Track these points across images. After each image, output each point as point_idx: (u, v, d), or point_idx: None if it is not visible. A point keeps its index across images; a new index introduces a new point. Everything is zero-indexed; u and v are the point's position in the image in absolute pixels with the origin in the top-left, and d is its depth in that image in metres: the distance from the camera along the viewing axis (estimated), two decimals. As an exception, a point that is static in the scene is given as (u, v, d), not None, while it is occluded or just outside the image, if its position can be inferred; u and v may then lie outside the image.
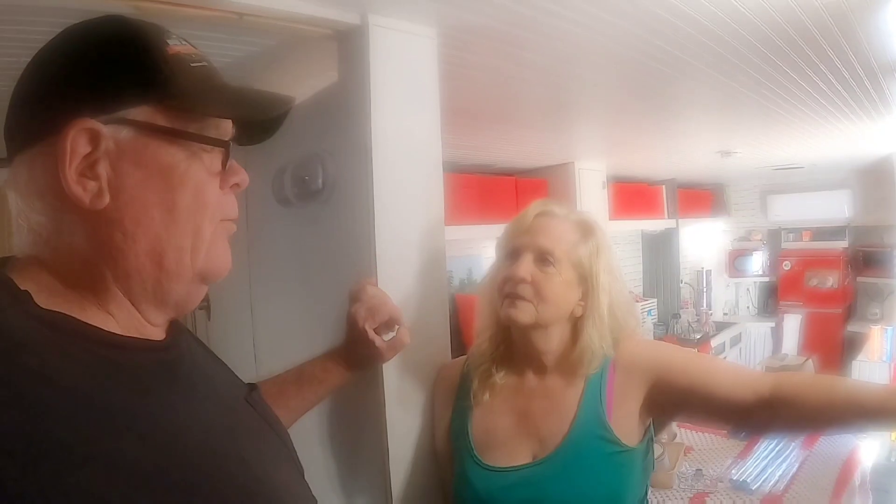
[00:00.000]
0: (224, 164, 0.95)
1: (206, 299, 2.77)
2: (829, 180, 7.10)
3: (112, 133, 0.84)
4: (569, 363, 1.61)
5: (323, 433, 1.93)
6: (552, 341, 1.63)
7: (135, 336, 0.90)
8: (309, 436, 1.86)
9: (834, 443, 3.41)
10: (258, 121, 1.03)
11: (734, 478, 2.93)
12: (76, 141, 0.82)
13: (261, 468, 0.97)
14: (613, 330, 1.61)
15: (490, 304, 1.70)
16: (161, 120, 0.88)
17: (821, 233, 7.37)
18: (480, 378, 1.71)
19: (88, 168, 0.84)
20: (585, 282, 1.60)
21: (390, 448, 1.71)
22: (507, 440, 1.63)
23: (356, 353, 1.60)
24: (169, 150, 0.89)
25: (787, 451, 3.20)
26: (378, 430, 1.73)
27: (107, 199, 0.85)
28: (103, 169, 0.85)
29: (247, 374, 1.27)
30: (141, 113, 0.86)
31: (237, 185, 0.99)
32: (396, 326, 1.60)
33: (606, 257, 1.63)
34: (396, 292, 1.68)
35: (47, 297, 0.83)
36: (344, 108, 1.77)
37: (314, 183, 1.87)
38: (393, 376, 1.72)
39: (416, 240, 1.77)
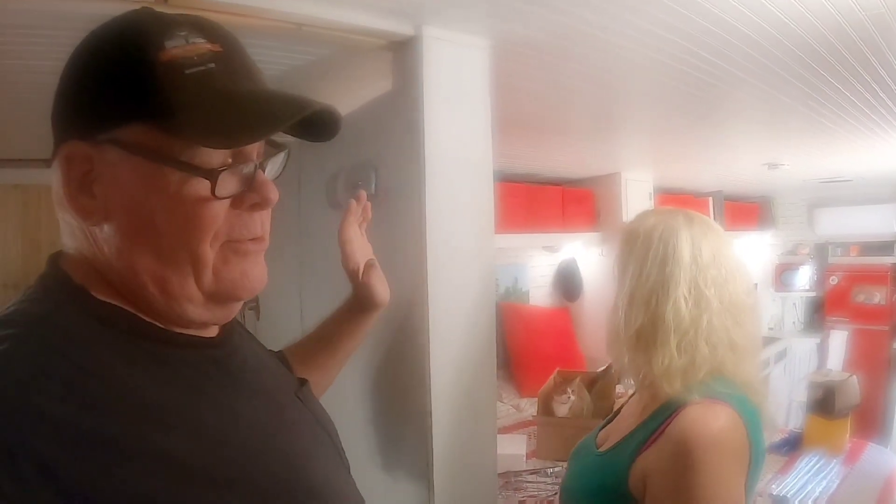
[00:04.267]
0: (213, 192, 0.85)
1: (255, 299, 2.82)
2: (877, 194, 6.96)
3: (101, 154, 0.83)
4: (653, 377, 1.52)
5: (368, 434, 1.97)
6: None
7: (186, 332, 0.92)
8: (354, 435, 1.90)
9: (876, 460, 3.37)
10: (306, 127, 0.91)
11: (774, 492, 2.91)
12: (69, 163, 0.84)
13: (306, 465, 0.98)
14: (661, 359, 1.46)
15: None
16: (153, 138, 0.82)
17: (869, 247, 7.22)
18: None
19: (86, 187, 0.84)
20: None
21: (434, 452, 1.74)
22: (613, 423, 1.73)
23: (356, 295, 1.62)
24: (161, 170, 0.83)
25: (829, 468, 3.18)
26: (423, 436, 1.75)
27: (103, 218, 0.85)
28: (99, 189, 0.84)
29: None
30: (131, 132, 0.82)
31: (257, 204, 0.92)
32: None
33: (634, 254, 1.56)
34: (445, 299, 1.71)
35: (108, 290, 0.86)
36: (397, 116, 1.81)
37: (367, 189, 1.90)
38: (440, 381, 1.74)
39: (467, 248, 1.79)
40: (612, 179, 5.20)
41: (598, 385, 3.67)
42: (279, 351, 1.41)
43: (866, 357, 6.62)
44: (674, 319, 1.46)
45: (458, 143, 1.78)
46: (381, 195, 1.89)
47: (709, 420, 1.35)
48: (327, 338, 1.60)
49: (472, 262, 1.80)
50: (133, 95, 0.81)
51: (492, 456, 1.91)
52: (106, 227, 0.85)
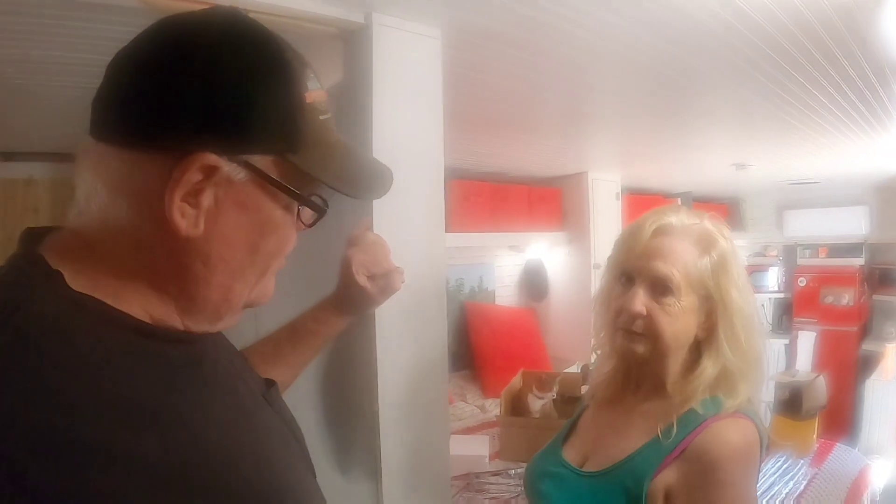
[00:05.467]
0: (315, 221, 0.95)
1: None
2: (845, 196, 7.03)
3: (228, 171, 0.83)
4: (680, 389, 1.44)
5: (318, 436, 1.91)
6: (670, 367, 1.48)
7: (164, 326, 0.89)
8: (305, 436, 1.86)
9: (843, 462, 3.38)
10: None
11: (741, 494, 2.88)
12: (195, 171, 0.80)
13: (278, 470, 0.96)
14: (730, 373, 1.42)
15: (606, 330, 1.57)
16: (276, 170, 0.86)
17: (837, 249, 7.26)
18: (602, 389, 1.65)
19: (192, 195, 0.82)
20: (709, 302, 1.44)
21: (383, 454, 1.69)
22: (582, 439, 1.61)
23: (347, 298, 1.54)
24: (273, 199, 0.88)
25: (795, 470, 3.17)
26: (371, 439, 1.70)
27: (201, 229, 0.83)
28: (206, 200, 0.83)
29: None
30: (265, 160, 0.85)
31: (300, 228, 0.99)
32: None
33: (734, 271, 1.45)
34: (392, 297, 1.64)
35: (84, 279, 0.81)
36: (347, 108, 1.75)
37: (320, 182, 1.85)
38: (387, 383, 1.69)
39: (416, 244, 1.74)
40: (579, 179, 5.22)
41: (566, 386, 3.62)
42: (239, 351, 1.36)
43: (835, 358, 6.64)
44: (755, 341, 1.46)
45: (408, 136, 1.74)
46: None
47: (738, 436, 1.34)
48: (302, 336, 1.54)
49: (421, 260, 1.74)
50: (282, 134, 0.86)
51: (445, 458, 1.87)
52: (191, 236, 0.84)
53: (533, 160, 4.62)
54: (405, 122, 1.73)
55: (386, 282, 1.54)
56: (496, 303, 5.49)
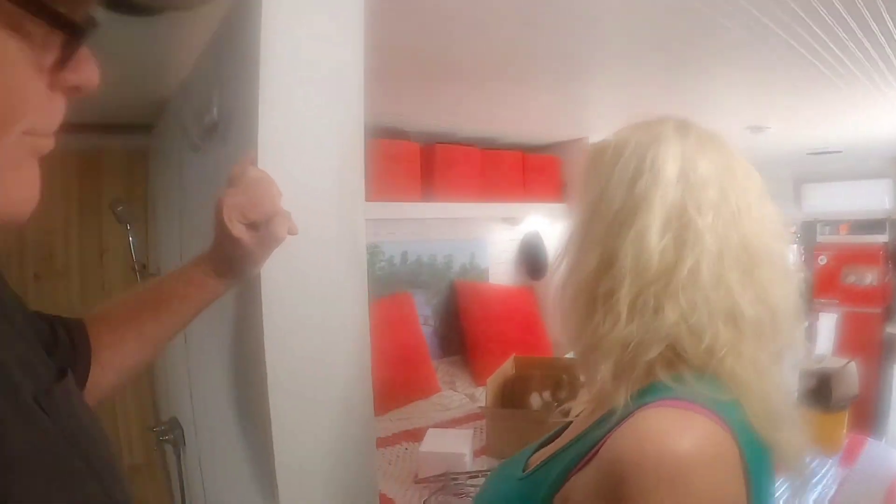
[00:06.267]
0: (65, 60, 0.59)
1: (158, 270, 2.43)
2: (868, 168, 6.75)
3: None
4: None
5: (205, 429, 1.68)
6: None
7: None
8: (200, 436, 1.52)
9: (878, 459, 3.04)
10: None
11: (761, 499, 2.54)
12: None
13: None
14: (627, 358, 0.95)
15: None
16: None
17: (859, 226, 7.01)
18: None
19: None
20: None
21: (278, 465, 1.33)
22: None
23: (223, 254, 1.21)
24: None
25: (824, 470, 2.84)
26: (265, 446, 1.35)
27: None
28: None
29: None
30: None
31: (77, 88, 0.63)
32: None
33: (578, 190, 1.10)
34: (285, 277, 1.31)
35: None
36: (234, 20, 1.37)
37: (210, 115, 1.47)
38: (281, 369, 1.32)
39: (320, 207, 1.37)
40: (578, 145, 4.91)
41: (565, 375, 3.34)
42: (72, 319, 1.04)
43: (857, 341, 6.39)
44: (633, 259, 0.96)
45: (310, 64, 1.33)
46: (223, 123, 1.44)
47: (672, 434, 0.81)
48: (168, 301, 1.20)
49: (328, 230, 1.38)
50: None
51: (369, 468, 1.53)
52: None
53: (526, 122, 4.30)
54: (308, 49, 1.33)
55: (267, 230, 1.17)
56: (490, 281, 5.19)
